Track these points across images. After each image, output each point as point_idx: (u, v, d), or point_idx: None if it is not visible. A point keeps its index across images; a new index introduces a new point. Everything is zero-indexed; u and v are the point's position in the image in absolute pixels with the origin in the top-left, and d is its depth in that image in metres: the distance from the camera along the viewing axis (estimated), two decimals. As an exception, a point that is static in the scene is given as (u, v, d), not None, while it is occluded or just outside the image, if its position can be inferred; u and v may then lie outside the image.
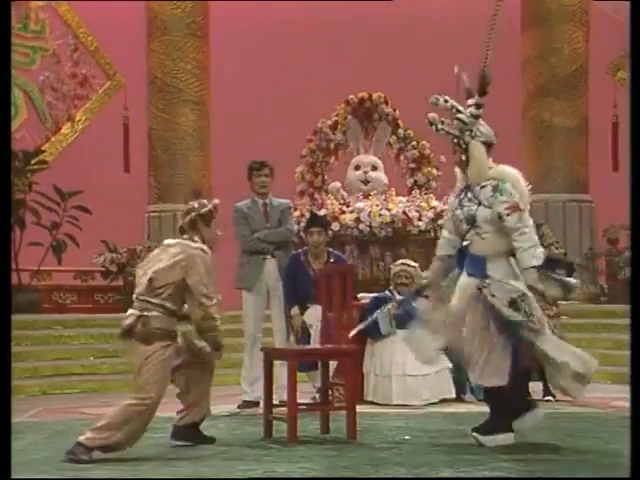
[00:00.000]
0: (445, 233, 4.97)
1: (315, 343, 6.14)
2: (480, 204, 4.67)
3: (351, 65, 10.41)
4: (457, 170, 4.88)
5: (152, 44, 10.10)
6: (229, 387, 7.77)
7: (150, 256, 4.84)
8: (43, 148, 10.37)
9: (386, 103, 8.16)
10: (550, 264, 6.83)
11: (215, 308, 4.66)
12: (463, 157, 4.72)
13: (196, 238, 4.72)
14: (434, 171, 8.36)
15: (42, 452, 4.71)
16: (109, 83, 11.15)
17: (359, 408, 5.13)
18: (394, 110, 8.32)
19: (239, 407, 6.30)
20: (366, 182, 7.79)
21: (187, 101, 10.04)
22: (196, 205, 4.81)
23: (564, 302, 7.42)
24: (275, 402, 5.25)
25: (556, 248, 7.05)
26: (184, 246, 4.68)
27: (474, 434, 4.75)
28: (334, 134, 8.21)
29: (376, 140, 7.93)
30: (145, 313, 4.57)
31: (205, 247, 4.70)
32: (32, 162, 9.48)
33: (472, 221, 4.69)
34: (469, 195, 4.73)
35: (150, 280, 4.60)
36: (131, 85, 10.66)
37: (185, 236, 4.75)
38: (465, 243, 4.73)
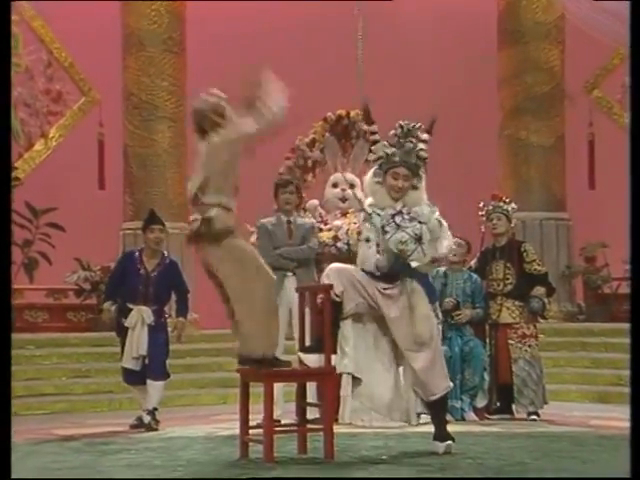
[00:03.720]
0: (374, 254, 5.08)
1: (133, 345, 6.27)
2: (420, 222, 4.97)
3: (328, 82, 10.38)
4: (382, 194, 5.09)
5: (128, 60, 10.02)
6: (205, 407, 7.67)
7: None
8: (16, 165, 10.23)
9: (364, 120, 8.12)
10: (531, 281, 6.91)
11: None
12: (415, 181, 5.08)
13: None
14: (411, 188, 8.32)
15: (12, 474, 4.57)
16: (84, 99, 11.02)
17: (336, 428, 5.05)
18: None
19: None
20: (344, 200, 7.74)
21: (163, 118, 9.96)
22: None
23: (542, 320, 7.42)
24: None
25: (538, 265, 7.03)
26: None
27: (439, 443, 4.98)
28: (312, 151, 8.17)
29: (354, 158, 7.88)
30: None
31: None
32: (5, 179, 9.35)
33: (419, 239, 4.95)
34: (406, 216, 4.99)
35: None
36: (106, 101, 10.55)
37: None
38: (414, 264, 4.94)
